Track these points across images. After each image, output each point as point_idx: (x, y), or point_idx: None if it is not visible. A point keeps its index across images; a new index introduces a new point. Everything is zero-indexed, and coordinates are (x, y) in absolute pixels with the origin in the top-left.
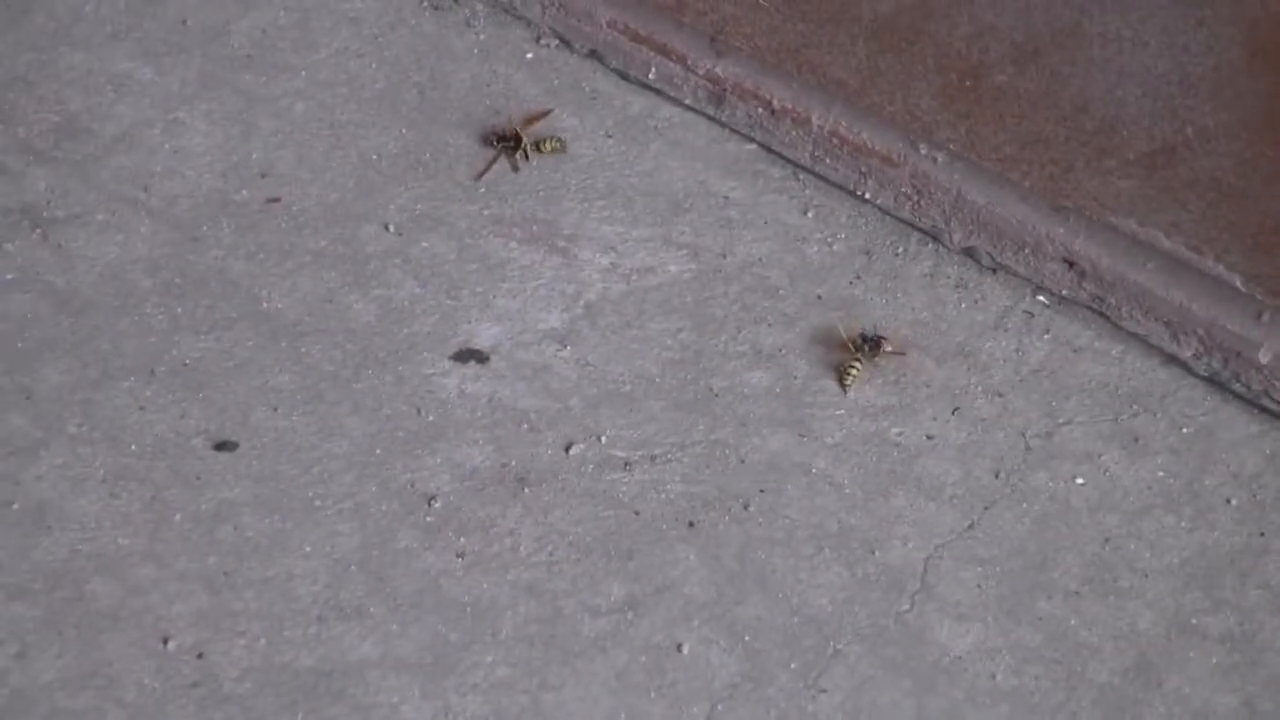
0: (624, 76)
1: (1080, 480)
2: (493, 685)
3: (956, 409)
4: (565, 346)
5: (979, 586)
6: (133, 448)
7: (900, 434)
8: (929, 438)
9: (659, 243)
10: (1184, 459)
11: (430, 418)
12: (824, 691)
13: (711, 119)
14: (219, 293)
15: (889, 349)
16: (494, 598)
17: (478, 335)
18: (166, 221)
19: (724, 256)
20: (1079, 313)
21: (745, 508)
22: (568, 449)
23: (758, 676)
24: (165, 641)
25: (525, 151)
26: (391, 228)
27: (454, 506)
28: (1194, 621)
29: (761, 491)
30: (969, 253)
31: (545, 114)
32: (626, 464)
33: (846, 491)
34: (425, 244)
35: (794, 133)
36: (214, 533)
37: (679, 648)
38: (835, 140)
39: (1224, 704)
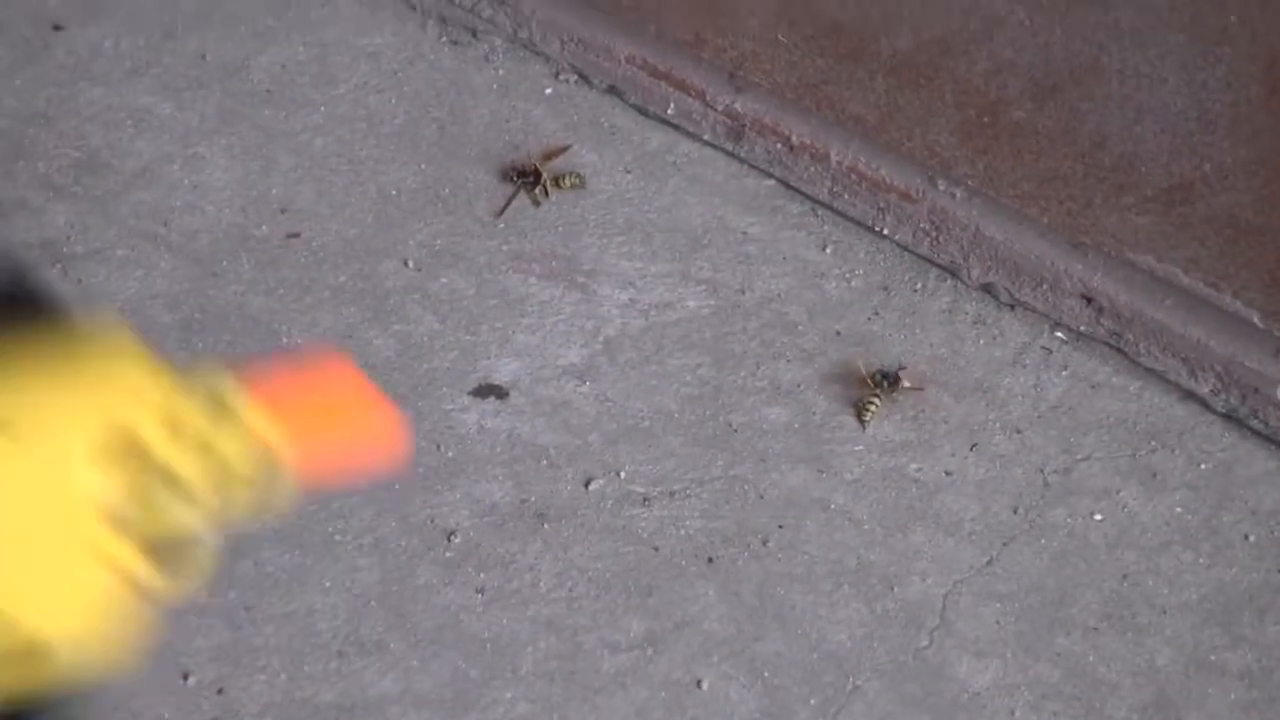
0: (643, 112)
1: (1099, 516)
2: None
3: (975, 445)
4: (584, 382)
5: (998, 623)
6: None
7: (919, 470)
8: (948, 474)
9: (678, 278)
10: (1202, 495)
11: (450, 453)
12: None
13: (730, 154)
14: (239, 328)
15: (907, 385)
16: (514, 633)
17: (497, 371)
18: (186, 257)
19: (742, 292)
20: (1097, 349)
21: (764, 543)
22: (587, 485)
23: (777, 713)
24: (185, 677)
25: (544, 187)
26: (411, 263)
27: (474, 542)
28: (1212, 658)
29: (780, 527)
30: (987, 289)
31: (564, 149)
32: (646, 500)
33: (865, 527)
34: (444, 279)
35: (813, 168)
36: (234, 568)
37: (699, 684)
38: (854, 176)
39: None
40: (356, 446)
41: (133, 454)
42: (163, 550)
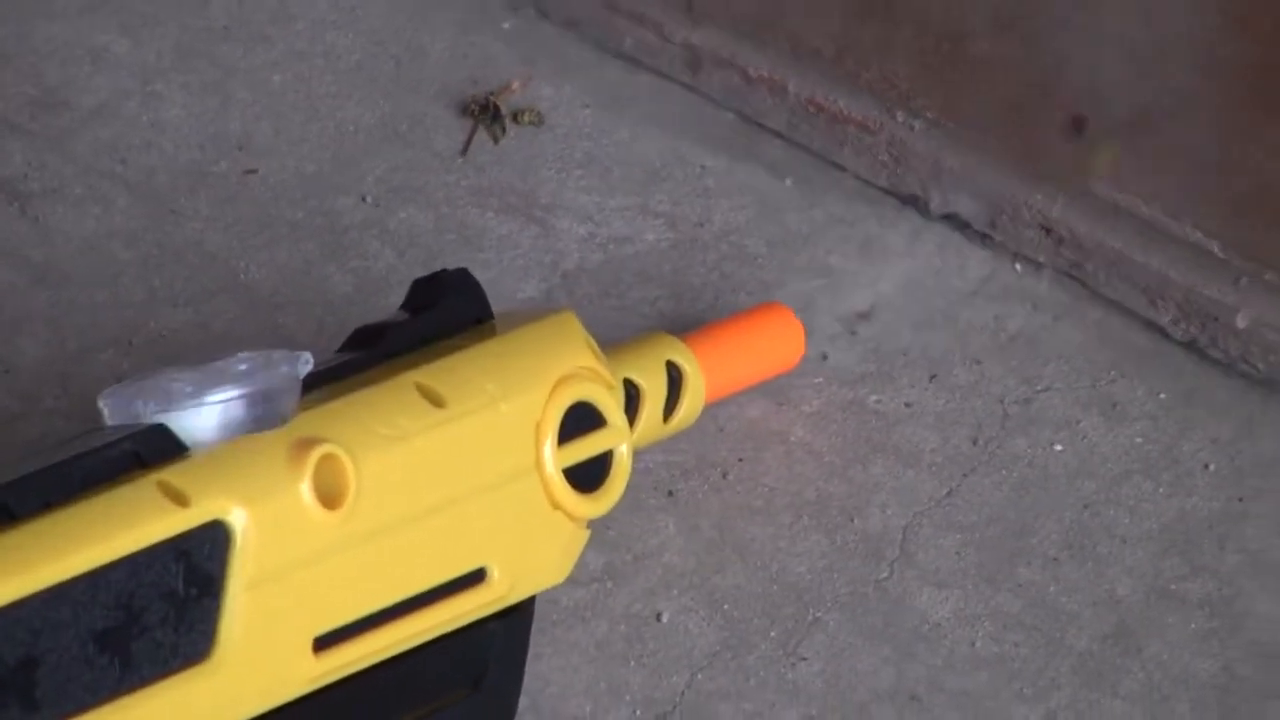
0: (600, 46)
1: (1059, 447)
2: None
3: (934, 376)
4: None
5: (958, 554)
6: None
7: (878, 402)
8: (907, 405)
9: (636, 212)
10: (1162, 425)
11: None
12: (804, 659)
13: (688, 88)
14: (197, 265)
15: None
16: None
17: None
18: (144, 194)
19: (701, 225)
20: (1057, 279)
21: (724, 476)
22: None
23: (737, 645)
24: None
25: (503, 123)
26: (369, 199)
27: None
28: (1173, 587)
29: (740, 460)
30: (947, 220)
31: (523, 84)
32: None
33: (825, 459)
34: (402, 215)
35: (770, 101)
36: None
37: (658, 616)
38: (812, 108)
39: (1203, 669)
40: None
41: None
42: (587, 476)
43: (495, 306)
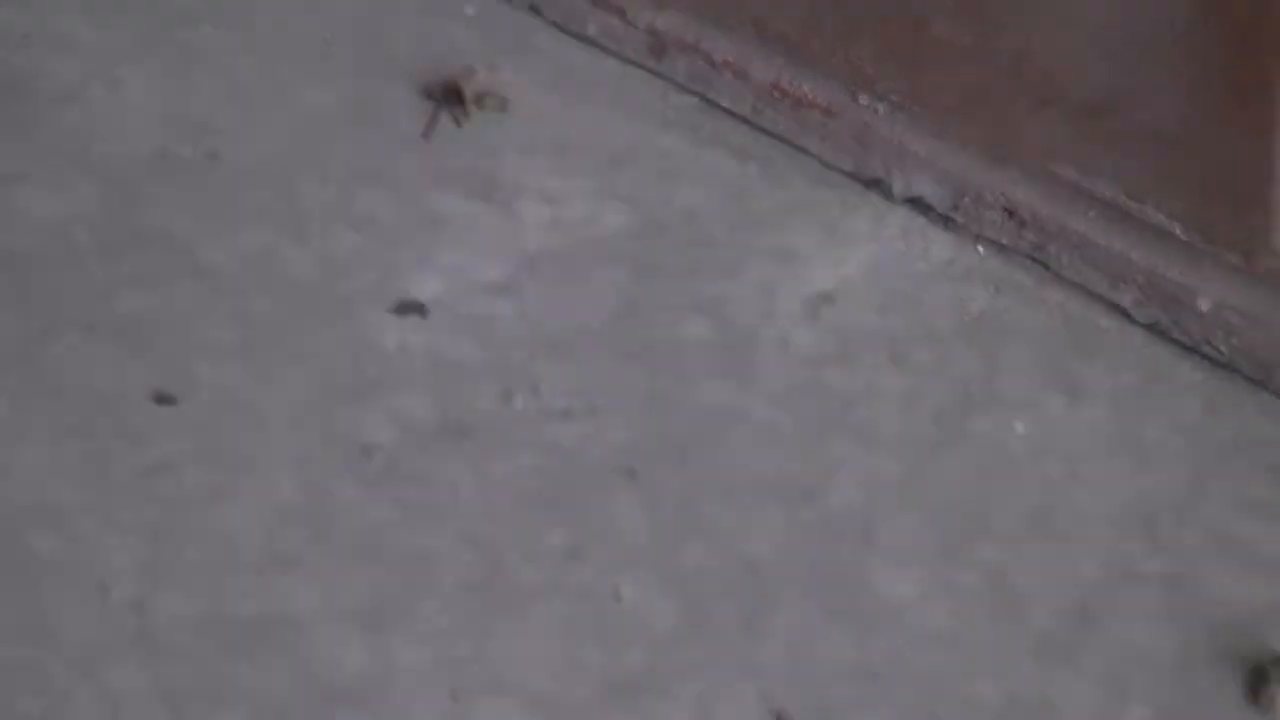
0: (564, 30)
1: (1020, 427)
2: (435, 635)
3: (897, 357)
4: (506, 299)
5: (919, 533)
6: (74, 403)
7: (840, 382)
8: (869, 385)
9: (599, 195)
10: (1124, 406)
11: (370, 370)
12: (764, 637)
13: (652, 72)
14: (160, 248)
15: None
16: (435, 548)
17: (418, 288)
18: (107, 179)
19: (664, 209)
20: (1020, 261)
21: (685, 456)
22: (509, 400)
23: (698, 624)
24: (106, 593)
25: (465, 107)
26: (332, 182)
27: (394, 459)
28: (1134, 566)
29: (701, 440)
30: (911, 203)
31: (486, 69)
32: (567, 414)
33: (787, 439)
34: (365, 198)
35: (735, 85)
36: (154, 486)
37: (619, 595)
38: (776, 93)
39: (1164, 647)
40: None
41: None
42: None
43: (454, 289)
